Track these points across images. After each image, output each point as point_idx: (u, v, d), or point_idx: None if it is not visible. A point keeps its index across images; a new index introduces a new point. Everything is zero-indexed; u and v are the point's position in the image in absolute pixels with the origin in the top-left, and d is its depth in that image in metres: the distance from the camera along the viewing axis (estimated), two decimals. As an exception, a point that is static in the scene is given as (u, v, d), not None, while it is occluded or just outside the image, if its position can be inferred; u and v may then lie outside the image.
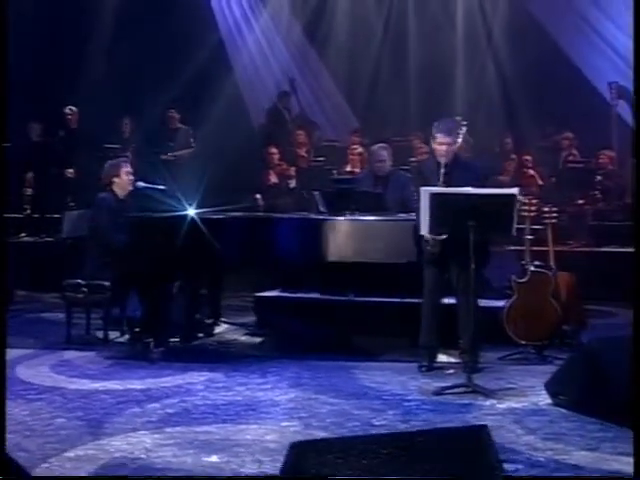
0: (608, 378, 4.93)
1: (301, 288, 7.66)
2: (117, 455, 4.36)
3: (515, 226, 5.62)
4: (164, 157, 10.35)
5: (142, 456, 4.34)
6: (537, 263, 6.70)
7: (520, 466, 4.24)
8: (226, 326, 7.72)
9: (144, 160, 9.93)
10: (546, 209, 7.05)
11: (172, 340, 6.88)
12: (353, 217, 6.86)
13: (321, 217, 7.00)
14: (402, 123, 11.45)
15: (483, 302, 7.04)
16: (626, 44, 10.71)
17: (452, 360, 6.31)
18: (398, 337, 6.90)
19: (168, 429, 4.78)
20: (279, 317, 7.56)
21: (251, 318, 7.80)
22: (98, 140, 10.49)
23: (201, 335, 7.31)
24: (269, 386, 5.75)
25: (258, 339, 7.34)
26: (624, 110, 10.46)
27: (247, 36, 12.55)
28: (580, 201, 9.76)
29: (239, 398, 5.45)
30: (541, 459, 4.35)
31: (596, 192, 9.80)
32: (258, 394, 5.55)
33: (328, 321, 7.18)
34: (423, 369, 6.18)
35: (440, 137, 6.09)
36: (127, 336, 7.06)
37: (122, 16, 12.18)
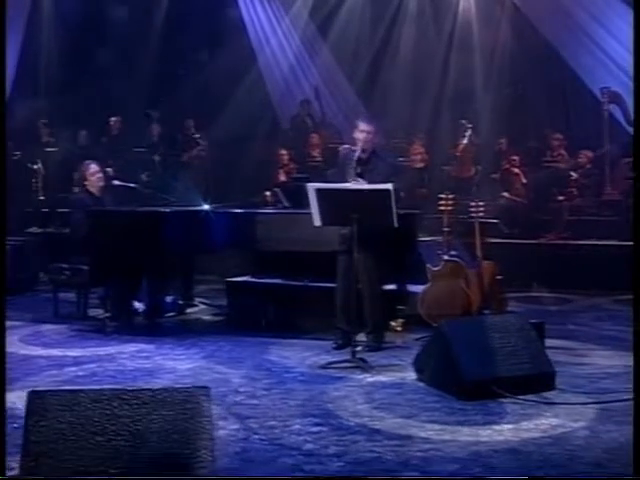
0: (453, 356, 5.06)
1: (269, 274, 8.02)
2: None
3: (395, 217, 5.76)
4: (185, 159, 10.86)
5: (20, 407, 4.81)
6: (452, 253, 6.81)
7: (325, 428, 4.46)
8: (203, 306, 8.17)
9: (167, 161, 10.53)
10: (473, 204, 7.12)
11: (137, 317, 7.39)
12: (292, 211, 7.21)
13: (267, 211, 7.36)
14: (409, 125, 11.57)
15: (415, 287, 7.26)
16: (617, 49, 10.59)
17: (365, 339, 6.51)
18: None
19: (63, 388, 5.23)
20: (244, 299, 7.92)
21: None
22: (134, 144, 11.15)
23: (171, 314, 7.77)
24: (184, 357, 6.11)
25: (218, 318, 7.74)
26: (616, 111, 10.24)
27: (271, 38, 12.93)
28: (560, 197, 9.65)
29: (148, 365, 5.84)
30: (351, 424, 4.53)
31: (573, 189, 9.67)
32: (168, 363, 5.92)
33: (285, 303, 7.51)
34: (334, 346, 6.42)
35: (362, 125, 6.29)
36: (109, 314, 7.60)
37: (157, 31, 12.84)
